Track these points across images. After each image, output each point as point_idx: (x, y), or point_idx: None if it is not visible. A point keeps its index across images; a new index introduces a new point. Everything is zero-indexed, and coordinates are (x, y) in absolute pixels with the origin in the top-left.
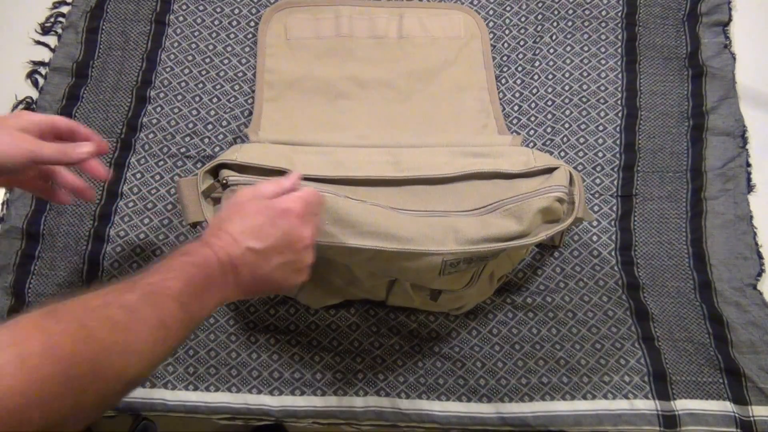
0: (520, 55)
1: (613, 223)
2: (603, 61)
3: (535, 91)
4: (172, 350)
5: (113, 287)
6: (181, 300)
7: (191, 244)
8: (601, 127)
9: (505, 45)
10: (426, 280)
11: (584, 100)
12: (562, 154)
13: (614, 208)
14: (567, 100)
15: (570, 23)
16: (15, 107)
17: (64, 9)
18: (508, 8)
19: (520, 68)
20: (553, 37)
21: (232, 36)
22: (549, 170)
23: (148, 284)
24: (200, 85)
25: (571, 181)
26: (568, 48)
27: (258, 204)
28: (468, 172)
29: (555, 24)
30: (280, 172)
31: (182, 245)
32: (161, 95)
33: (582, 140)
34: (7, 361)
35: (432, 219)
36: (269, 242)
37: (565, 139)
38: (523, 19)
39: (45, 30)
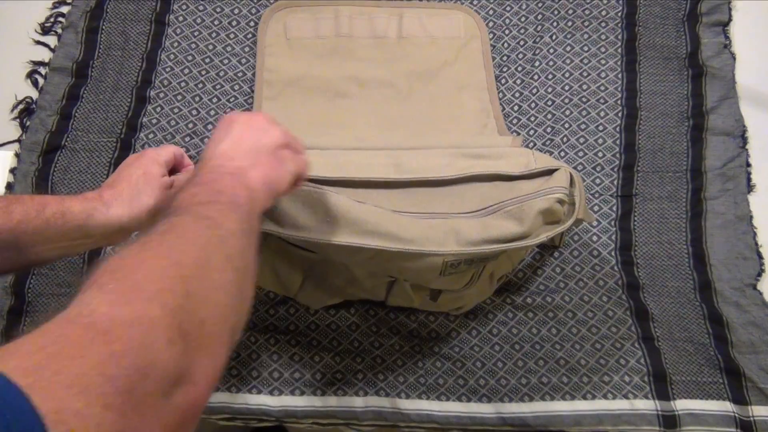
0: (520, 55)
1: (613, 223)
2: (603, 61)
3: (535, 91)
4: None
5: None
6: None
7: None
8: (601, 127)
9: (505, 45)
10: (426, 281)
11: (584, 100)
12: (562, 154)
13: (614, 208)
14: (567, 100)
15: (570, 23)
16: (15, 107)
17: (64, 9)
18: (508, 8)
19: (520, 68)
20: (553, 37)
21: (232, 36)
22: (549, 171)
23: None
24: (200, 85)
25: (572, 183)
26: (568, 48)
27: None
28: (468, 174)
29: (555, 24)
30: None
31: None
32: (161, 95)
33: (582, 140)
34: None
35: (433, 221)
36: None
37: (565, 139)
38: (523, 19)
39: (45, 30)
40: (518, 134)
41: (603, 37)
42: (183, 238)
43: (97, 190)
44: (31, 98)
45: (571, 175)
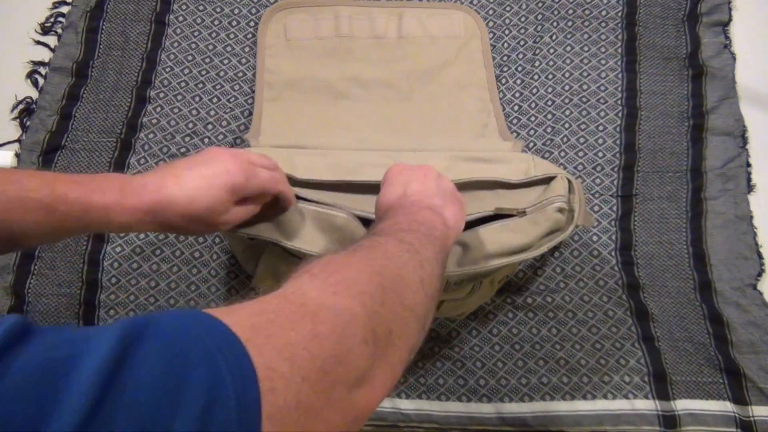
0: (520, 55)
1: (613, 223)
2: (603, 61)
3: (535, 91)
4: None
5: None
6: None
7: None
8: (601, 127)
9: (505, 45)
10: None
11: (584, 100)
12: (562, 154)
13: (614, 208)
14: (567, 100)
15: (570, 23)
16: (15, 107)
17: (64, 9)
18: (508, 8)
19: (520, 68)
20: (553, 37)
21: (232, 36)
22: (548, 179)
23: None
24: (200, 85)
25: (571, 189)
26: (568, 48)
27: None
28: (468, 180)
29: (555, 24)
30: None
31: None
32: (161, 95)
33: (582, 140)
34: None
35: None
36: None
37: (565, 139)
38: (523, 19)
39: (45, 30)
40: (518, 134)
41: (603, 37)
42: (386, 255)
43: (162, 183)
44: (31, 98)
45: (569, 182)
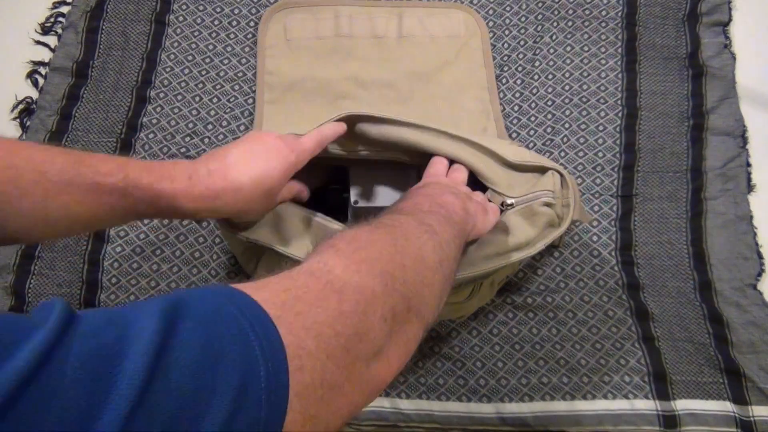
0: (520, 55)
1: (613, 223)
2: (603, 61)
3: (535, 91)
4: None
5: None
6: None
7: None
8: (601, 127)
9: (505, 45)
10: None
11: (584, 100)
12: (562, 154)
13: (614, 208)
14: (567, 100)
15: (570, 23)
16: (15, 107)
17: (64, 9)
18: (508, 8)
19: (520, 68)
20: (553, 37)
21: (232, 36)
22: (541, 169)
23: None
24: (200, 85)
25: (564, 185)
26: (568, 48)
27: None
28: (468, 138)
29: (555, 24)
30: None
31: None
32: (161, 95)
33: (582, 140)
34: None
35: None
36: None
37: (565, 139)
38: (523, 19)
39: (45, 30)
40: (518, 135)
41: (603, 37)
42: (407, 234)
43: (219, 175)
44: (31, 98)
45: (562, 177)
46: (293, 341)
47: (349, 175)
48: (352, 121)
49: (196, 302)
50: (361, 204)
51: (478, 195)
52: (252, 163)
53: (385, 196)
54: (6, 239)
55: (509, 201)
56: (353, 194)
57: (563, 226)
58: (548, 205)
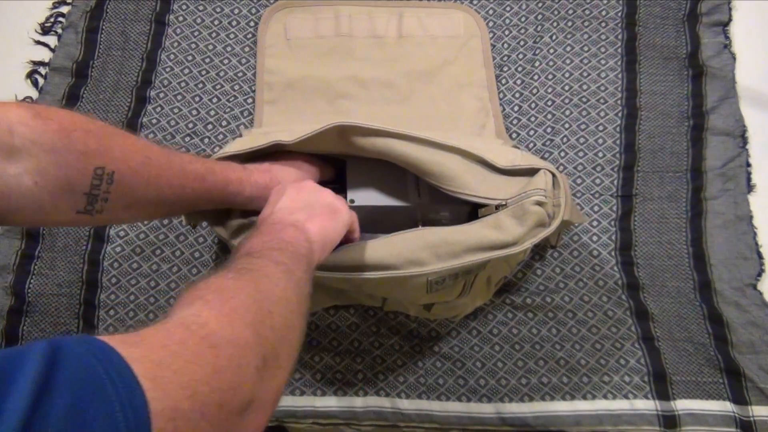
0: (520, 55)
1: (613, 223)
2: (603, 61)
3: (535, 91)
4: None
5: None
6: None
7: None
8: (601, 127)
9: (505, 45)
10: (416, 299)
11: (584, 100)
12: (562, 154)
13: (614, 208)
14: (567, 100)
15: (570, 23)
16: None
17: (64, 9)
18: (507, 8)
19: (520, 68)
20: (553, 37)
21: (232, 36)
22: (532, 171)
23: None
24: (200, 85)
25: (555, 184)
26: (568, 48)
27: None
28: (456, 146)
29: (555, 24)
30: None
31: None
32: (161, 95)
33: (582, 140)
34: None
35: (409, 235)
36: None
37: (565, 139)
38: (523, 19)
39: (45, 30)
40: (518, 135)
41: (603, 37)
42: (269, 278)
43: (269, 172)
44: (31, 98)
45: (554, 177)
46: (169, 404)
47: (346, 174)
48: (343, 131)
49: (70, 362)
50: (358, 203)
51: (324, 195)
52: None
53: (382, 195)
54: (103, 219)
55: (503, 202)
56: (350, 194)
57: (553, 226)
58: (539, 204)
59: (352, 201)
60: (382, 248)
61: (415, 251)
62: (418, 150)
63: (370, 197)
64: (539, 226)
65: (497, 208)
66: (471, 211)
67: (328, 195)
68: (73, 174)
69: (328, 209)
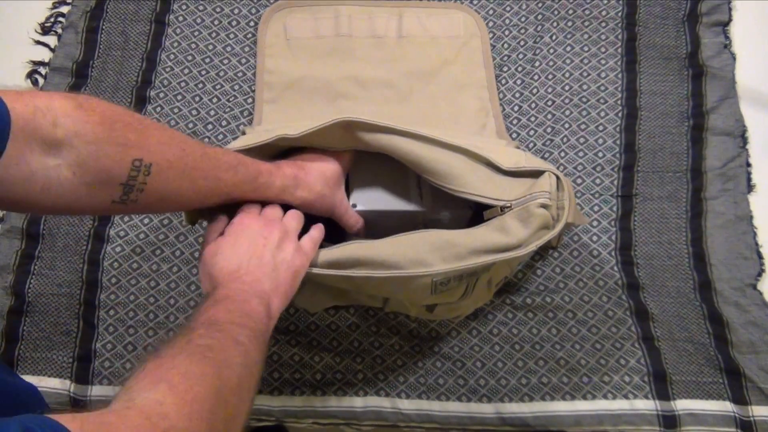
0: (520, 55)
1: (613, 223)
2: (603, 61)
3: (535, 91)
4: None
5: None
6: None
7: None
8: (601, 127)
9: (505, 45)
10: (419, 299)
11: (584, 100)
12: (562, 154)
13: (614, 208)
14: (567, 100)
15: (570, 23)
16: None
17: (64, 9)
18: (507, 8)
19: (520, 68)
20: (553, 37)
21: (232, 36)
22: (537, 173)
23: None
24: (200, 85)
25: (559, 187)
26: (568, 48)
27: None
28: (461, 146)
29: (555, 24)
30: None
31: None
32: (161, 95)
33: (582, 140)
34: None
35: (414, 236)
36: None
37: (565, 139)
38: (523, 19)
39: (45, 30)
40: (518, 135)
41: (603, 37)
42: (228, 364)
43: (295, 164)
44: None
45: (558, 179)
46: None
47: (349, 179)
48: (348, 126)
49: None
50: (362, 208)
51: (285, 250)
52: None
53: (385, 198)
54: (138, 208)
55: (508, 204)
56: (353, 197)
57: (557, 228)
58: (544, 206)
59: (354, 205)
60: (387, 247)
61: (420, 252)
62: (423, 148)
63: (373, 201)
64: (543, 229)
65: (502, 209)
66: (472, 216)
67: (289, 252)
68: (111, 165)
69: (289, 271)
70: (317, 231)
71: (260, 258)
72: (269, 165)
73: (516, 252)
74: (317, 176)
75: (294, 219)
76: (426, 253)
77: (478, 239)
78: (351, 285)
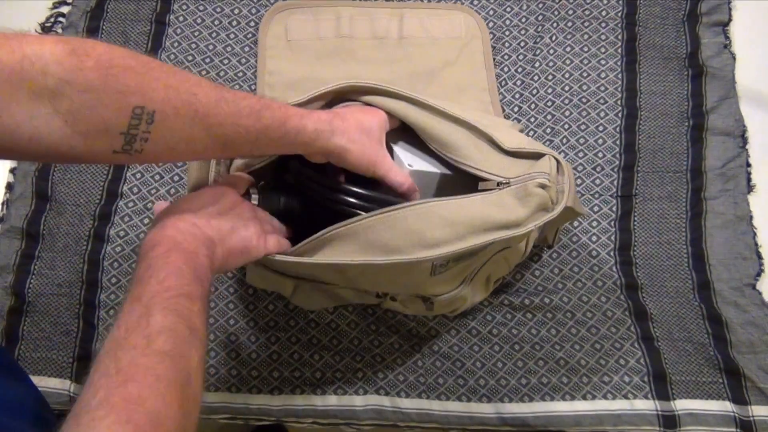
0: (520, 56)
1: (612, 223)
2: (603, 61)
3: (535, 91)
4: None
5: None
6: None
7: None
8: (601, 128)
9: (505, 45)
10: (418, 284)
11: (584, 100)
12: (562, 154)
13: (614, 209)
14: (567, 101)
15: (570, 23)
16: None
17: (64, 9)
18: (508, 9)
19: (519, 69)
20: (553, 38)
21: (232, 36)
22: (537, 156)
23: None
24: None
25: (560, 171)
26: (568, 48)
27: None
28: (466, 120)
29: (555, 24)
30: None
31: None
32: None
33: (582, 141)
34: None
35: (408, 214)
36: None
37: (565, 140)
38: (523, 19)
39: (45, 30)
40: (518, 122)
41: (603, 37)
42: (182, 359)
43: (330, 111)
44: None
45: (558, 163)
46: None
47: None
48: (356, 92)
49: None
50: (418, 168)
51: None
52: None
53: (431, 162)
54: (145, 159)
55: (505, 180)
56: (405, 158)
57: (556, 210)
58: (543, 186)
59: (410, 165)
60: (386, 231)
61: (420, 232)
62: (429, 117)
63: (423, 163)
64: (542, 210)
65: (499, 185)
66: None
67: (251, 228)
68: (108, 114)
69: (241, 241)
70: (285, 242)
71: (219, 212)
72: (300, 109)
73: (514, 231)
74: (355, 125)
75: (274, 224)
76: (427, 231)
77: (476, 215)
78: (344, 280)
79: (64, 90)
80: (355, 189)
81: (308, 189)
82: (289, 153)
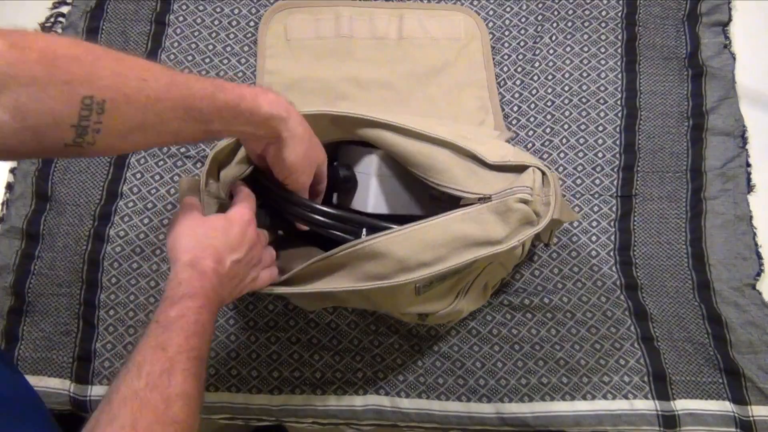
0: (520, 56)
1: (612, 223)
2: (603, 61)
3: (534, 91)
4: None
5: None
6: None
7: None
8: (600, 128)
9: (505, 45)
10: (405, 304)
11: (584, 100)
12: (562, 154)
13: (614, 209)
14: (567, 101)
15: (570, 23)
16: None
17: (64, 9)
18: (507, 9)
19: (519, 69)
20: (553, 38)
21: (232, 36)
22: (522, 168)
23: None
24: None
25: (545, 182)
26: (568, 48)
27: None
28: (446, 140)
29: (555, 24)
30: None
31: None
32: None
33: (582, 140)
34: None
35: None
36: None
37: (564, 140)
38: (522, 19)
39: (45, 30)
40: (517, 135)
41: (603, 37)
42: (190, 429)
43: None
44: None
45: (543, 175)
46: None
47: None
48: (335, 119)
49: None
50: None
51: (255, 252)
52: None
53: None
54: (98, 151)
55: (486, 195)
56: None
57: (541, 224)
58: (524, 201)
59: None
60: (371, 265)
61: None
62: (407, 141)
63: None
64: (526, 224)
65: (480, 200)
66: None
67: (252, 275)
68: (57, 107)
69: (238, 292)
70: (275, 272)
71: (242, 259)
72: (255, 88)
73: (497, 248)
74: (308, 130)
75: (273, 254)
76: (411, 257)
77: (457, 234)
78: (334, 301)
79: (7, 84)
80: (325, 208)
81: (283, 209)
82: (241, 136)
